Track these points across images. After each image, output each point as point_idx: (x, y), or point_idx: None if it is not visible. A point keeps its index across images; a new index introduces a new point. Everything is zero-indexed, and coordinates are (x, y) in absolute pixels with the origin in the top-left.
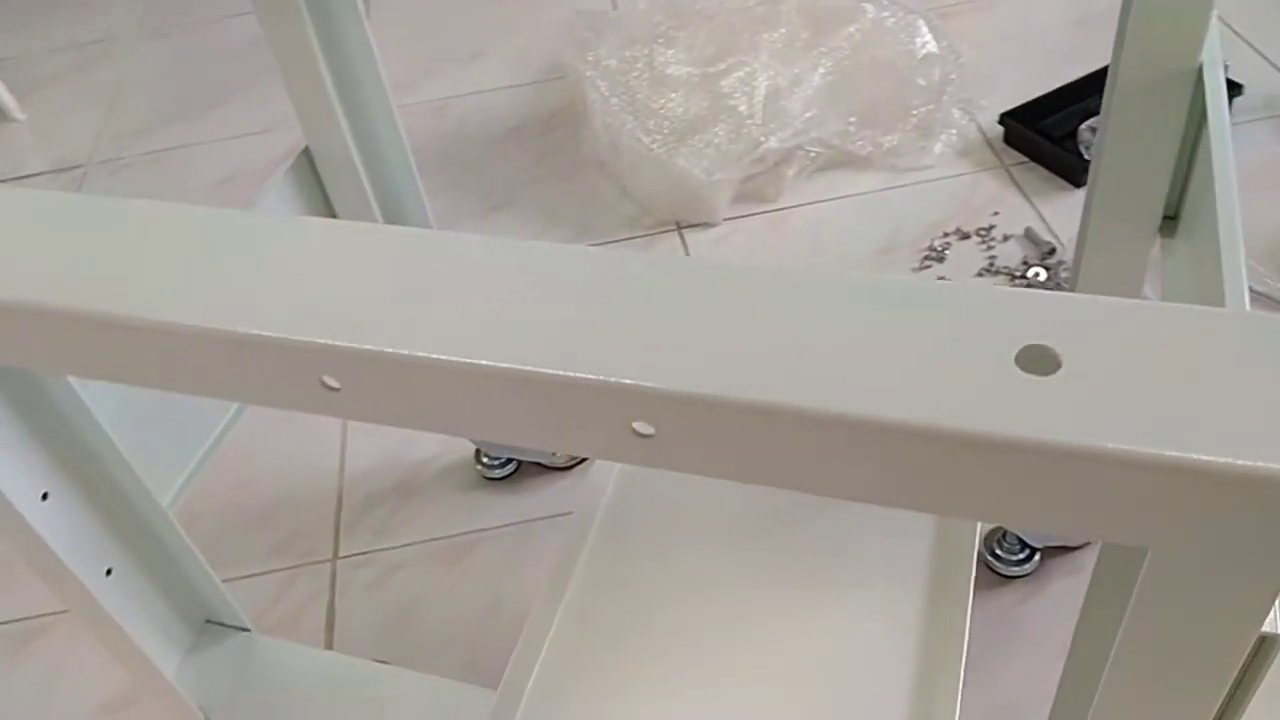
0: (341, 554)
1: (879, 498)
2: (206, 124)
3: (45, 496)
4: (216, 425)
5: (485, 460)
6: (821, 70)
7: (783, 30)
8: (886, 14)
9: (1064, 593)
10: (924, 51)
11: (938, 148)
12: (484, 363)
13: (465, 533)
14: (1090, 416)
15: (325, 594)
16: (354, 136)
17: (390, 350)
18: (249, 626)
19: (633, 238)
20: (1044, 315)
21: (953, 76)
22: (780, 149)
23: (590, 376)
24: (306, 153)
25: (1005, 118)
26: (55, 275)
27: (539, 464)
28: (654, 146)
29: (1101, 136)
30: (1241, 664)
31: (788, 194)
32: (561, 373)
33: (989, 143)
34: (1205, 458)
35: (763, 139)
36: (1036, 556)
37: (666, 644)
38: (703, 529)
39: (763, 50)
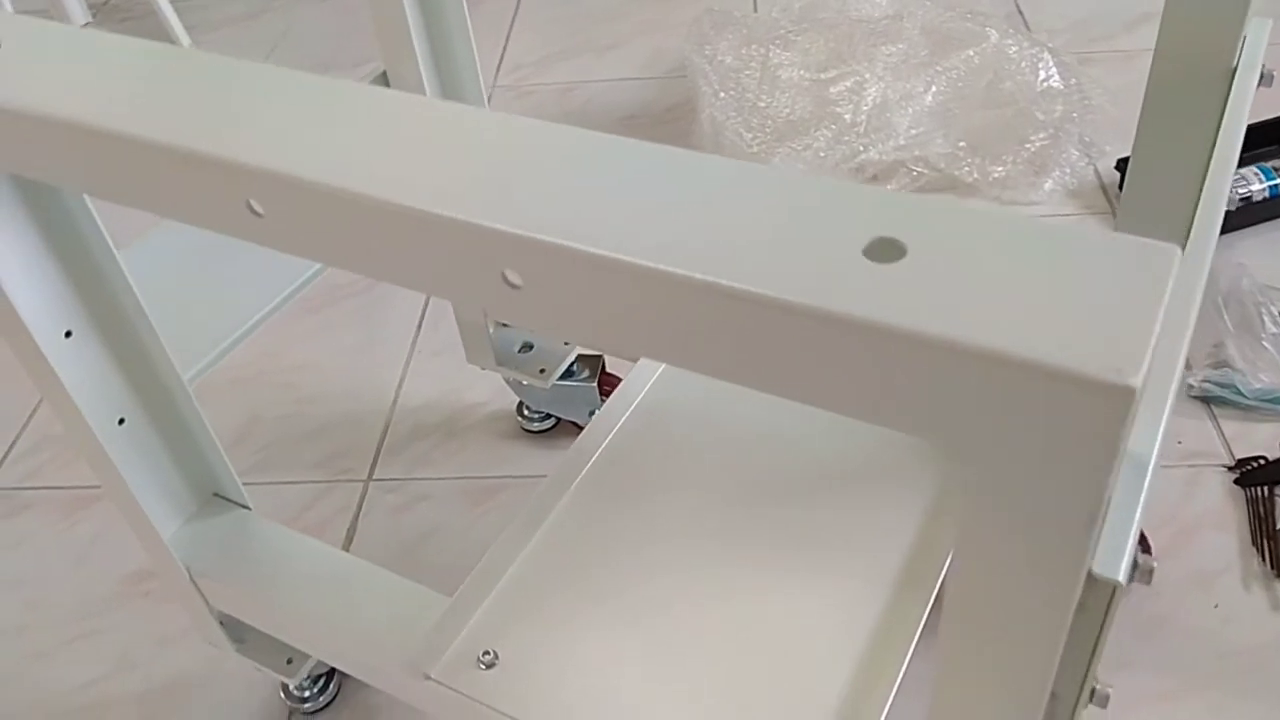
0: (376, 476)
1: (721, 368)
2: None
3: (68, 334)
4: (249, 317)
5: (526, 413)
6: (935, 90)
7: (901, 46)
8: (1010, 43)
9: None
10: (1045, 85)
11: (1048, 184)
12: (375, 196)
13: (495, 476)
14: (914, 301)
15: (352, 510)
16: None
17: (309, 179)
18: (250, 506)
19: None
20: (899, 212)
21: (1074, 115)
22: (880, 162)
23: (466, 219)
24: (383, 76)
25: (1124, 164)
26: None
27: (575, 424)
28: (753, 144)
29: (1134, 148)
30: (1075, 607)
31: None
32: (440, 213)
33: (1104, 188)
34: (1013, 350)
35: (863, 149)
36: None
37: (627, 588)
38: (693, 492)
39: (878, 63)
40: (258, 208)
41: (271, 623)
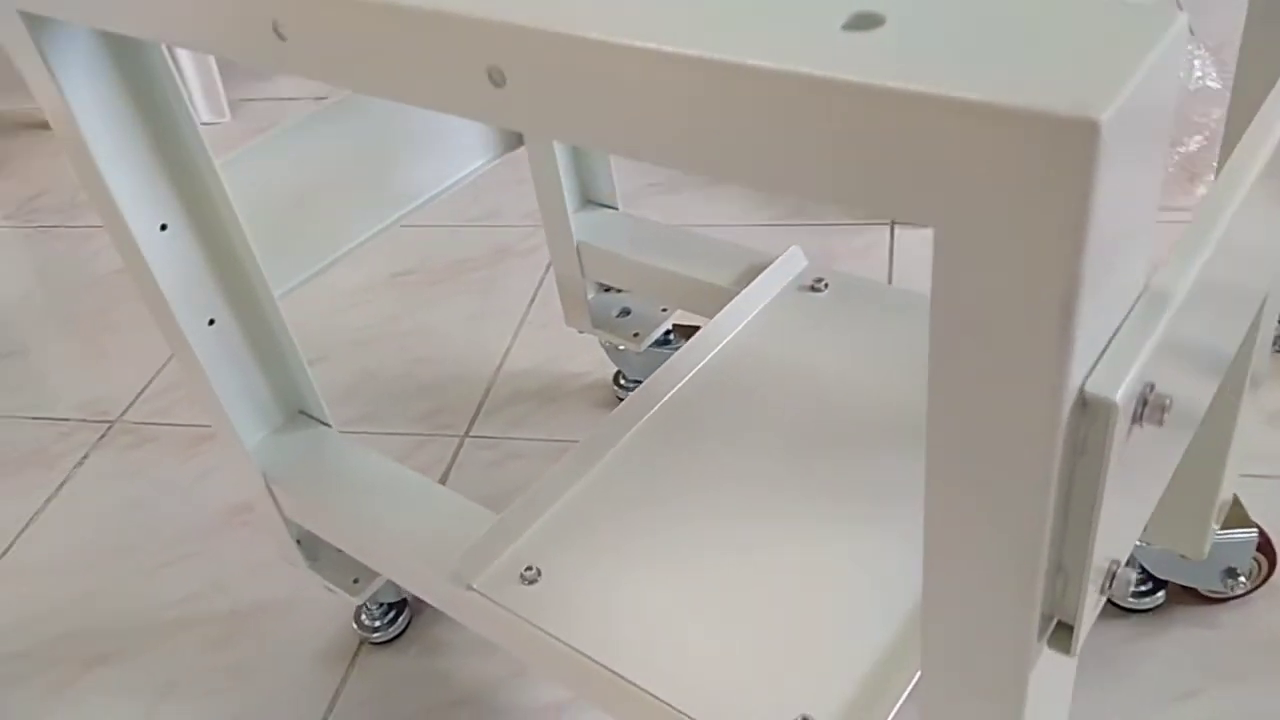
0: (472, 433)
1: (696, 157)
2: None
3: (164, 228)
4: (338, 247)
5: (622, 381)
6: None
7: None
8: None
9: (1183, 642)
10: (1201, 85)
11: (1201, 190)
12: None
13: None
14: (885, 62)
15: (446, 462)
16: None
17: None
18: (331, 423)
19: (840, 224)
20: None
21: None
22: None
23: (451, 11)
24: None
25: None
26: None
27: None
28: None
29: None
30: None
31: None
32: (426, 6)
33: None
34: (979, 97)
35: None
36: (1161, 593)
37: (676, 524)
38: (756, 443)
39: None
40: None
41: (335, 531)
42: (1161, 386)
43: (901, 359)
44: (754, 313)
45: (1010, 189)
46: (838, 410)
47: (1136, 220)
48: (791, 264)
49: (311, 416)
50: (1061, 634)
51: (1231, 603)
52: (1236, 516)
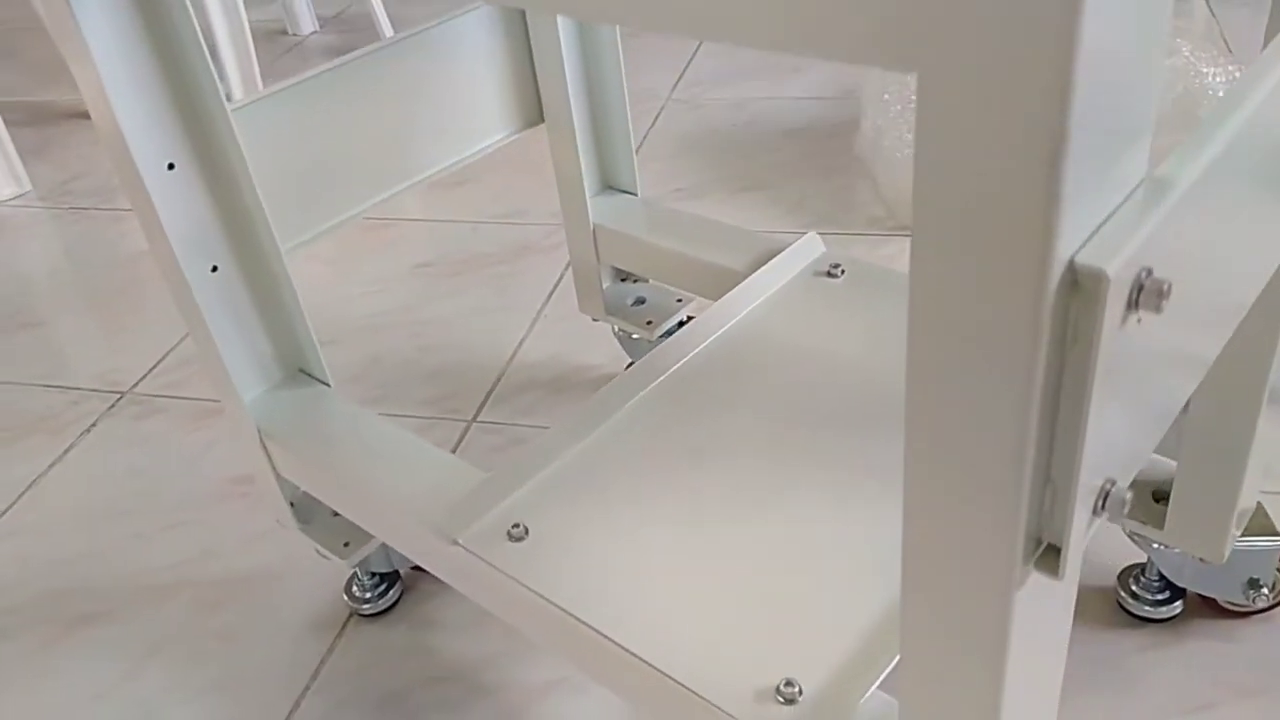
0: (480, 419)
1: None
2: None
3: (171, 166)
4: (348, 208)
5: None
6: None
7: None
8: (1205, 61)
9: (1199, 654)
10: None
11: None
12: None
13: None
14: None
15: (451, 445)
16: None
17: None
18: (330, 383)
19: (868, 234)
20: None
21: None
22: None
23: None
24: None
25: None
26: None
27: None
28: (912, 150)
29: None
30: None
31: None
32: None
33: None
34: None
35: None
36: (1179, 603)
37: (671, 492)
38: (761, 417)
39: None
40: None
41: (324, 487)
42: (1161, 273)
43: None
44: (767, 294)
45: (993, 27)
46: (844, 391)
47: (1132, 81)
48: (809, 249)
49: (311, 375)
50: (1049, 556)
51: (1253, 618)
52: (1260, 524)
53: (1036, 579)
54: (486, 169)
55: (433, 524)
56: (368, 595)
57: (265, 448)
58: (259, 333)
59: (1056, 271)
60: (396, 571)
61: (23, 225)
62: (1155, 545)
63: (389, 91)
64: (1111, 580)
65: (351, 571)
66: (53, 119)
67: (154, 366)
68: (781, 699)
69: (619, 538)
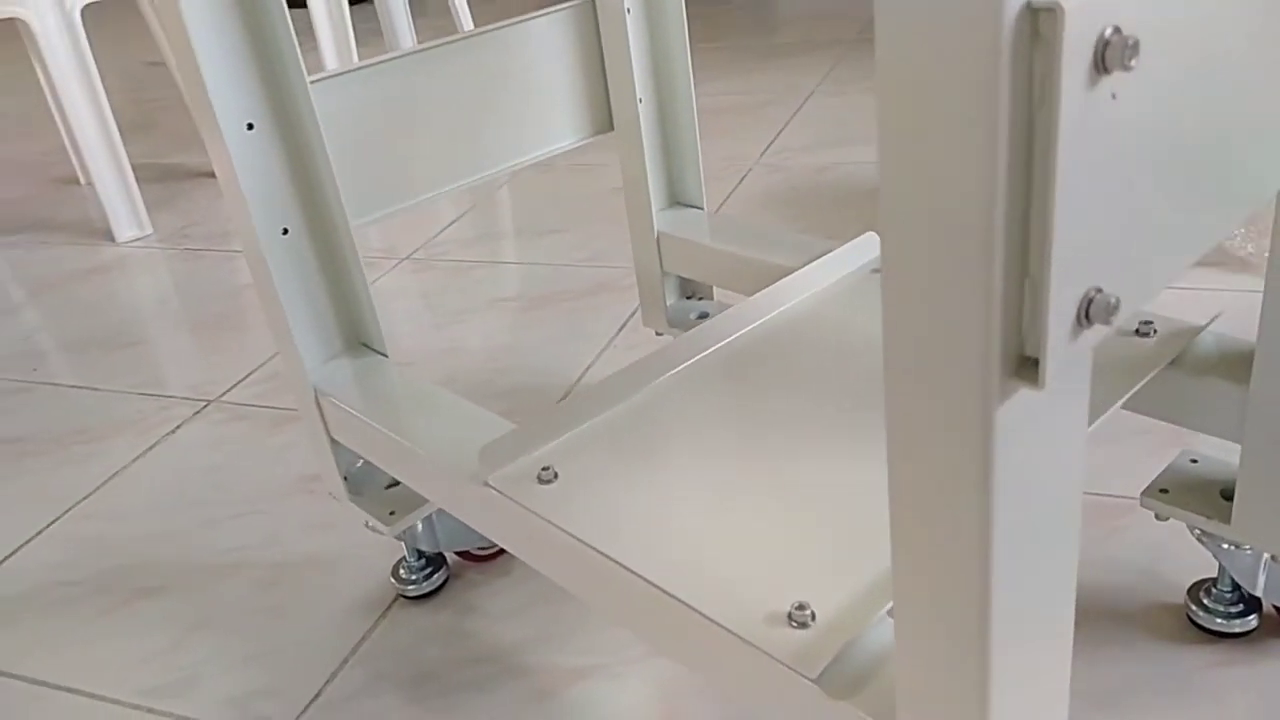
0: None
1: None
2: None
3: (250, 127)
4: (424, 190)
5: None
6: None
7: None
8: None
9: (1276, 673)
10: None
11: None
12: None
13: None
14: None
15: None
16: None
17: None
18: (388, 354)
19: None
20: None
21: None
22: None
23: None
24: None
25: None
26: None
27: None
28: None
29: None
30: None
31: None
32: None
33: None
34: None
35: None
36: (1253, 617)
37: (705, 452)
38: (810, 395)
39: None
40: None
41: (368, 443)
42: (1131, 31)
43: None
44: (819, 285)
45: None
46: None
47: None
48: (867, 248)
49: (371, 347)
50: (1031, 367)
51: None
52: None
53: (1027, 404)
54: (576, 221)
55: (466, 468)
56: (413, 578)
57: (320, 407)
58: (324, 300)
59: (1012, 8)
60: (443, 556)
61: (140, 262)
62: (1225, 547)
63: (464, 84)
64: (1182, 596)
65: (399, 556)
66: (180, 178)
67: (242, 379)
68: (794, 623)
69: (644, 482)
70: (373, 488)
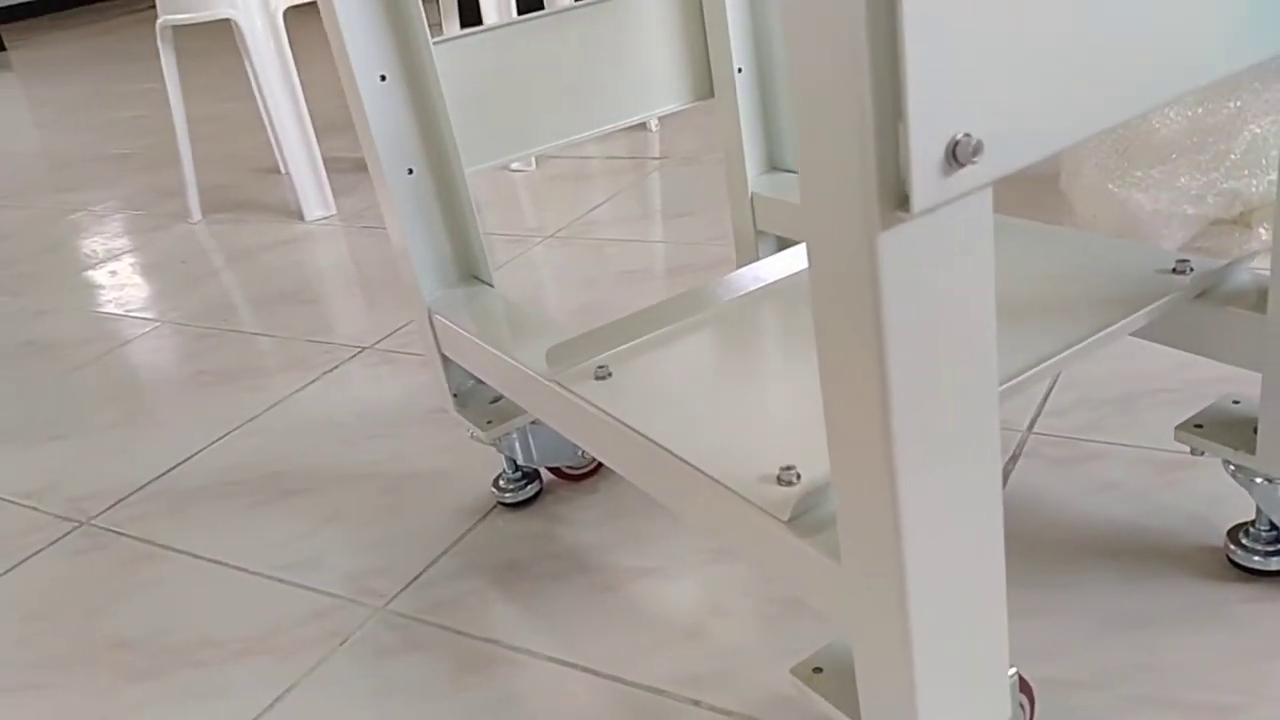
0: None
1: None
2: None
3: (383, 78)
4: (532, 143)
5: None
6: None
7: None
8: None
9: None
10: None
11: None
12: None
13: None
14: None
15: None
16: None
17: None
18: (494, 285)
19: None
20: None
21: None
22: (1245, 199)
23: None
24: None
25: None
26: None
27: None
28: (1111, 167)
29: None
30: None
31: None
32: None
33: None
34: None
35: (1225, 182)
36: None
37: (755, 366)
38: None
39: (1262, 97)
40: None
41: (466, 350)
42: None
43: (1053, 275)
44: None
45: None
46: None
47: None
48: None
49: (480, 279)
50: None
51: None
52: None
53: (912, 236)
54: (710, 206)
55: (538, 368)
56: (510, 488)
57: (432, 325)
58: (442, 234)
59: None
60: (538, 472)
61: (322, 237)
62: (1258, 481)
63: (571, 50)
64: (1223, 539)
65: (500, 470)
66: (364, 169)
67: (394, 330)
68: (781, 482)
69: (681, 379)
70: (478, 403)
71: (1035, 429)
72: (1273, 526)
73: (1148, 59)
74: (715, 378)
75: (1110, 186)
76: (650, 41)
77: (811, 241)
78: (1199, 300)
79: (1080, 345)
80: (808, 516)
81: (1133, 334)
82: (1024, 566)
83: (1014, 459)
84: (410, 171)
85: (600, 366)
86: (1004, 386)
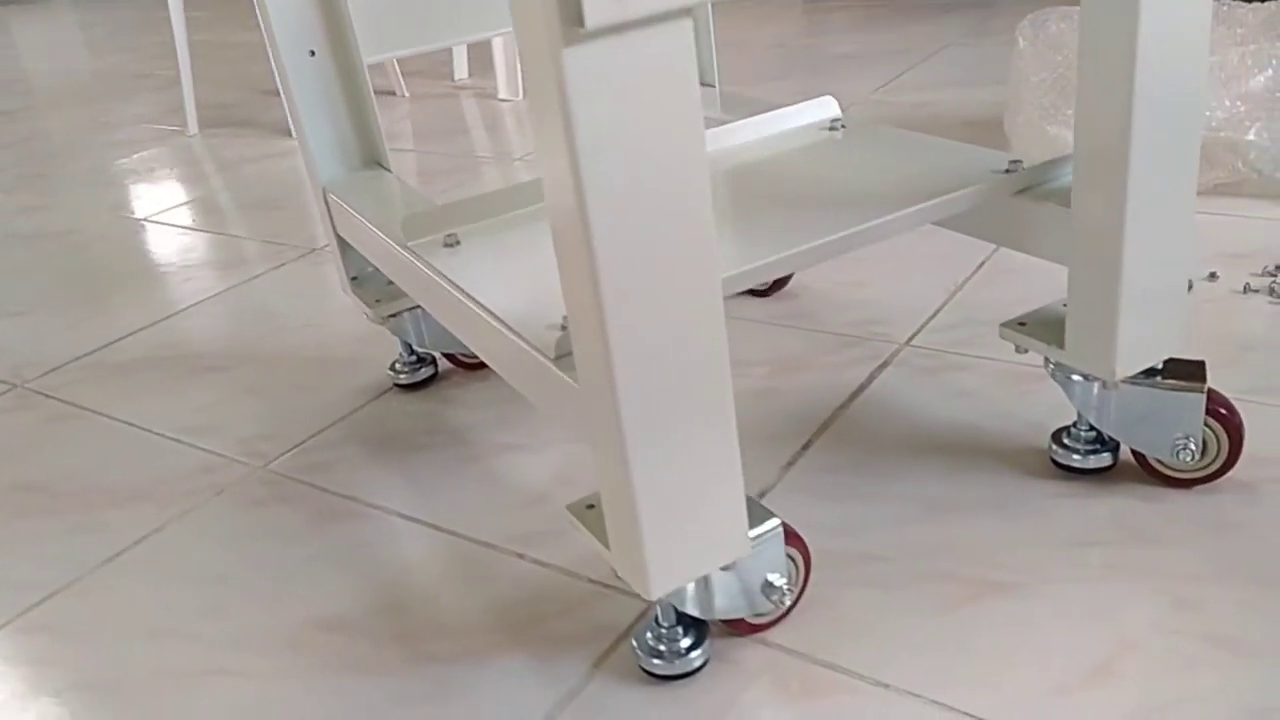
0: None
1: None
2: None
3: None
4: (436, 39)
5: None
6: (1267, 75)
7: (1239, 30)
8: None
9: (1114, 506)
10: None
11: None
12: None
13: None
14: None
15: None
16: None
17: None
18: (391, 170)
19: None
20: None
21: None
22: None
23: None
24: None
25: None
26: None
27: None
28: (1047, 106)
29: None
30: None
31: None
32: None
33: None
34: None
35: None
36: (1107, 455)
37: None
38: (728, 199)
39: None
40: None
41: (353, 230)
42: None
43: (893, 170)
44: (767, 130)
45: None
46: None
47: None
48: (823, 108)
49: (381, 165)
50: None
51: (1195, 490)
52: (1183, 371)
53: (598, 55)
54: None
55: (397, 237)
56: (404, 370)
57: (328, 206)
58: (344, 119)
59: None
60: (433, 358)
61: None
62: (1073, 379)
63: None
64: (1048, 442)
65: (397, 354)
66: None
67: None
68: (562, 329)
69: (520, 251)
70: (374, 285)
71: (913, 343)
72: (1091, 427)
73: None
74: (550, 251)
75: (1046, 127)
76: None
77: (523, 60)
78: (1019, 196)
79: (868, 225)
80: (569, 355)
81: (960, 231)
82: (863, 458)
83: (883, 366)
84: (312, 54)
85: (449, 235)
86: (798, 250)
